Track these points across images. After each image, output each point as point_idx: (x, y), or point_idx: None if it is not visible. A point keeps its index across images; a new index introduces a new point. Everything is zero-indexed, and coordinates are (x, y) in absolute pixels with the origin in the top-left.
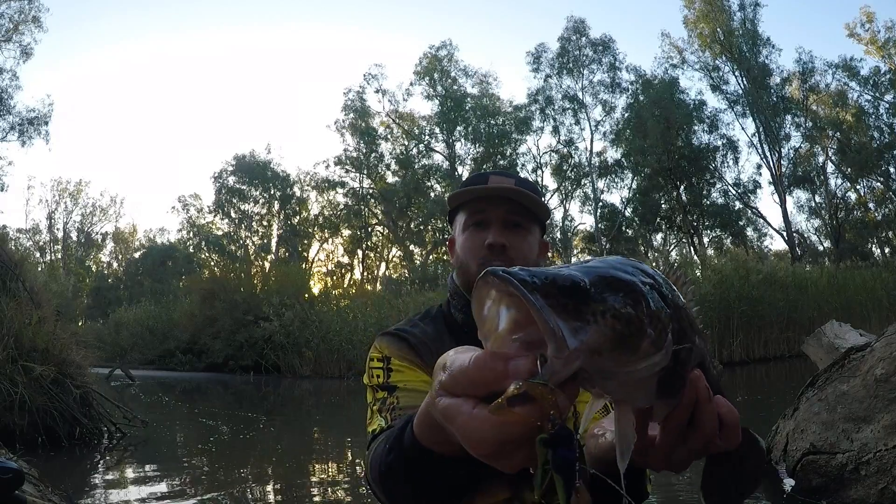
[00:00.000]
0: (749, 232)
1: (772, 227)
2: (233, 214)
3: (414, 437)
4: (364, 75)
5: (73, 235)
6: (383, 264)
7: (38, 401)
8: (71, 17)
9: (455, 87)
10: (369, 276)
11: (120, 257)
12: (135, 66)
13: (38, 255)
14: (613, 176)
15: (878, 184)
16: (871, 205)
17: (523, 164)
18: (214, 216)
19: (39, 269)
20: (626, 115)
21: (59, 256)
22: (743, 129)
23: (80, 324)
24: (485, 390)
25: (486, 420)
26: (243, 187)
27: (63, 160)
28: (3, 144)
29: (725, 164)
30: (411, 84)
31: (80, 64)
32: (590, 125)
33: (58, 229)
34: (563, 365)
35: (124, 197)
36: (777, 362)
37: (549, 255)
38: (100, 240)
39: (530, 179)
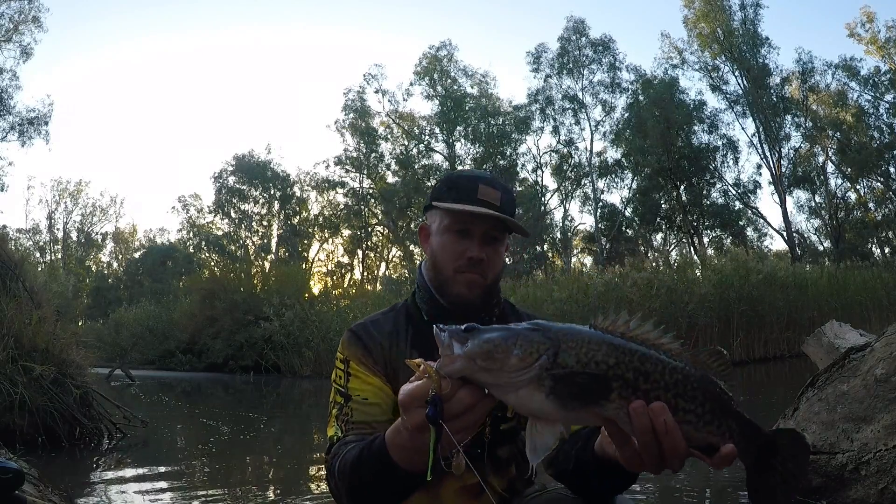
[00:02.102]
0: (749, 232)
1: (772, 227)
2: (233, 214)
3: (384, 446)
4: (364, 75)
5: (73, 235)
6: (383, 264)
7: (38, 401)
8: (71, 17)
9: (455, 87)
10: (369, 276)
11: (120, 257)
12: (135, 67)
13: (38, 255)
14: (613, 176)
15: (878, 184)
16: (871, 205)
17: (523, 164)
18: (214, 216)
19: (39, 269)
20: (626, 115)
21: (59, 256)
22: (743, 129)
23: (80, 324)
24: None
25: (408, 385)
26: (243, 187)
27: (63, 160)
28: (3, 144)
29: (725, 164)
30: (411, 84)
31: (80, 64)
32: (590, 125)
33: (58, 229)
34: (449, 361)
35: (124, 197)
36: (777, 362)
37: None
38: (100, 240)
39: (529, 180)
